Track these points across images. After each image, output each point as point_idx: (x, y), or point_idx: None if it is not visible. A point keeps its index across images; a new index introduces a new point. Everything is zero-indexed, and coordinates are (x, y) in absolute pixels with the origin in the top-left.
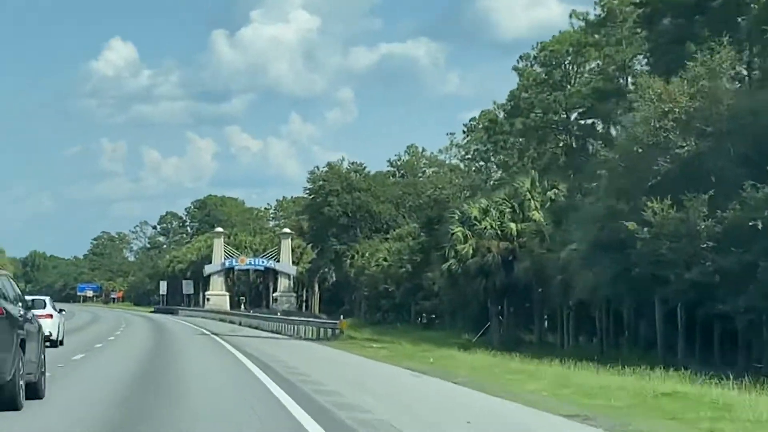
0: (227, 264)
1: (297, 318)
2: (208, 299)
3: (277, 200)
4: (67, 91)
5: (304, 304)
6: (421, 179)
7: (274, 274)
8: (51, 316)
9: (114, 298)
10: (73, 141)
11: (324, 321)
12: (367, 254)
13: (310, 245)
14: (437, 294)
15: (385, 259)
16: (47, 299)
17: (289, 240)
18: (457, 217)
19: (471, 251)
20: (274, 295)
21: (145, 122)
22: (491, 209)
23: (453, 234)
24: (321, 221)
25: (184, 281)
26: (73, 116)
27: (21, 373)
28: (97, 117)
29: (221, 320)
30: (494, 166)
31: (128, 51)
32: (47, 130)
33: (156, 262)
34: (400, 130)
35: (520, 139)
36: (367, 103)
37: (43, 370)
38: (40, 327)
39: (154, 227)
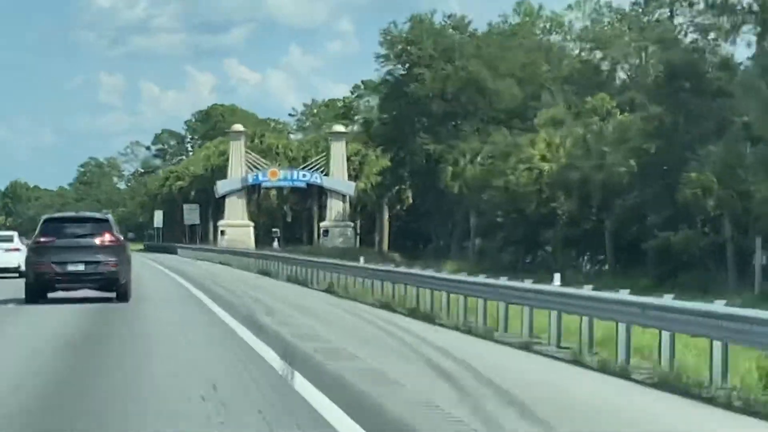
0: (251, 179)
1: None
2: (222, 232)
3: (304, 104)
4: (65, 23)
5: (357, 239)
6: (556, 40)
7: (321, 194)
8: (18, 249)
9: None
10: (71, 74)
11: None
12: (481, 157)
13: (379, 148)
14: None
15: (544, 158)
16: (15, 234)
17: (343, 143)
18: None
19: None
20: (322, 225)
21: (143, 55)
22: None
23: None
24: (401, 109)
25: (185, 206)
26: (71, 49)
27: (129, 279)
28: (94, 49)
29: (262, 272)
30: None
31: None
32: (46, 63)
33: (149, 186)
34: None
35: None
36: (368, 34)
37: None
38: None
39: (148, 148)
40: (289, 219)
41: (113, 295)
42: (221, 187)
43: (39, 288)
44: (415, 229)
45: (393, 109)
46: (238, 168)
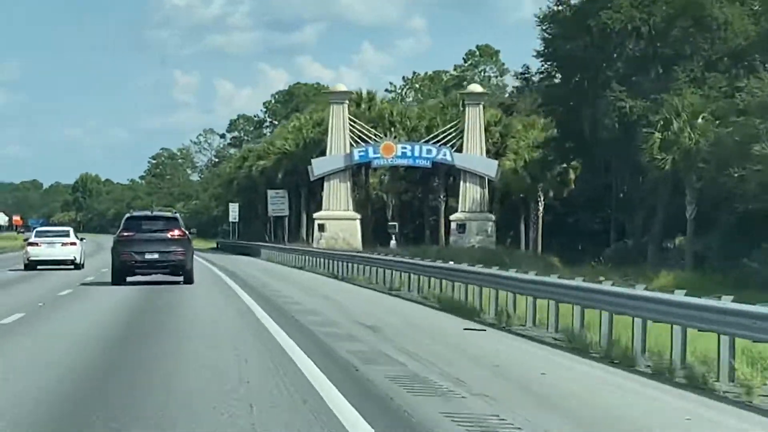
0: (357, 156)
1: None
2: (321, 227)
3: (404, 78)
4: (139, 21)
5: (494, 235)
6: None
7: (449, 175)
8: (75, 243)
9: None
10: (145, 72)
11: None
12: (704, 116)
13: (539, 109)
14: None
15: None
16: (71, 230)
17: (481, 109)
18: None
19: None
20: (453, 218)
21: (217, 53)
22: None
23: None
24: (581, 50)
25: (270, 193)
26: (145, 47)
27: (192, 265)
28: (169, 48)
29: (449, 308)
30: None
31: None
32: (121, 62)
33: (224, 172)
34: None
35: None
36: (440, 32)
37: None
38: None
39: (222, 136)
40: (417, 205)
41: (181, 279)
42: (318, 166)
43: (123, 272)
44: (572, 224)
45: (568, 53)
46: (341, 141)
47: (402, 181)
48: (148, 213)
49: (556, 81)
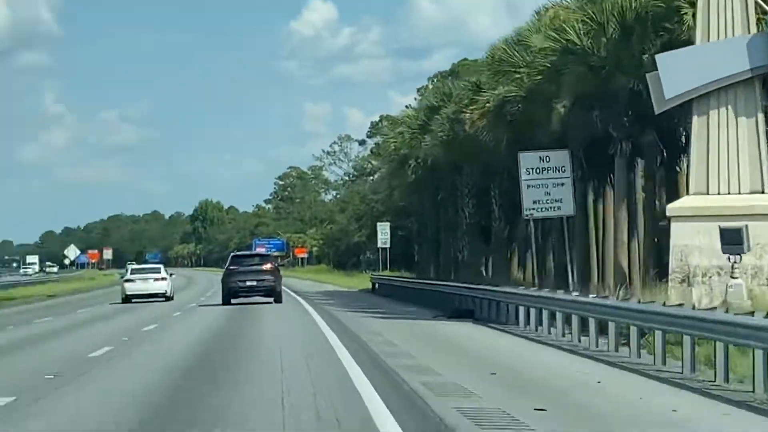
0: None
1: None
2: (731, 238)
3: None
4: (268, 53)
5: None
6: None
7: None
8: (165, 279)
9: (299, 259)
10: (275, 103)
11: None
12: None
13: None
14: None
15: None
16: (161, 266)
17: None
18: None
19: None
20: None
21: (346, 82)
22: None
23: None
24: None
25: (523, 158)
26: (274, 79)
27: (281, 289)
28: (298, 79)
29: None
30: None
31: (328, 10)
32: (252, 94)
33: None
34: None
35: None
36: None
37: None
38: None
39: (362, 142)
40: None
41: (272, 300)
42: (673, 75)
43: (230, 295)
44: None
45: None
46: (733, 9)
47: None
48: (249, 252)
49: None
